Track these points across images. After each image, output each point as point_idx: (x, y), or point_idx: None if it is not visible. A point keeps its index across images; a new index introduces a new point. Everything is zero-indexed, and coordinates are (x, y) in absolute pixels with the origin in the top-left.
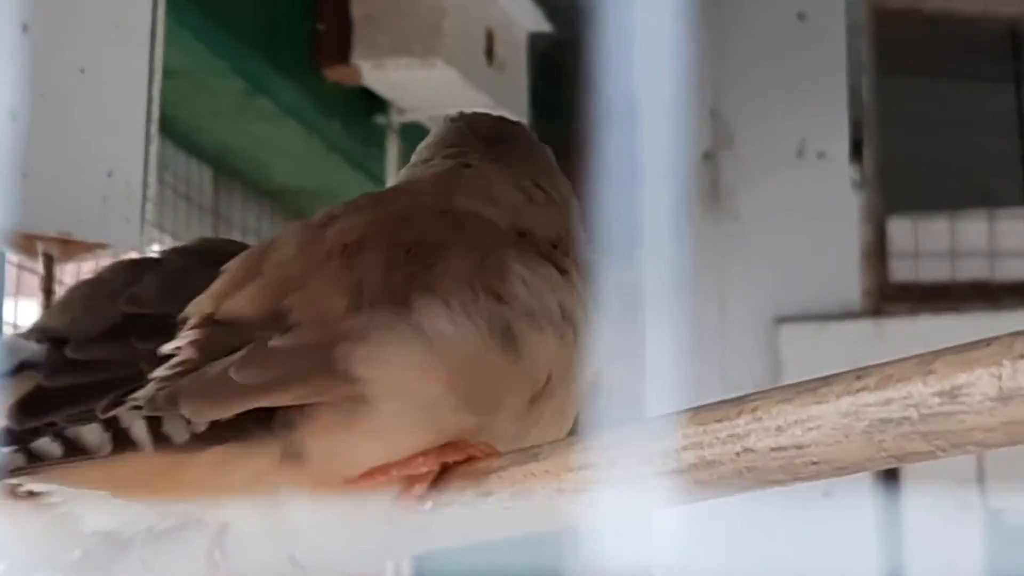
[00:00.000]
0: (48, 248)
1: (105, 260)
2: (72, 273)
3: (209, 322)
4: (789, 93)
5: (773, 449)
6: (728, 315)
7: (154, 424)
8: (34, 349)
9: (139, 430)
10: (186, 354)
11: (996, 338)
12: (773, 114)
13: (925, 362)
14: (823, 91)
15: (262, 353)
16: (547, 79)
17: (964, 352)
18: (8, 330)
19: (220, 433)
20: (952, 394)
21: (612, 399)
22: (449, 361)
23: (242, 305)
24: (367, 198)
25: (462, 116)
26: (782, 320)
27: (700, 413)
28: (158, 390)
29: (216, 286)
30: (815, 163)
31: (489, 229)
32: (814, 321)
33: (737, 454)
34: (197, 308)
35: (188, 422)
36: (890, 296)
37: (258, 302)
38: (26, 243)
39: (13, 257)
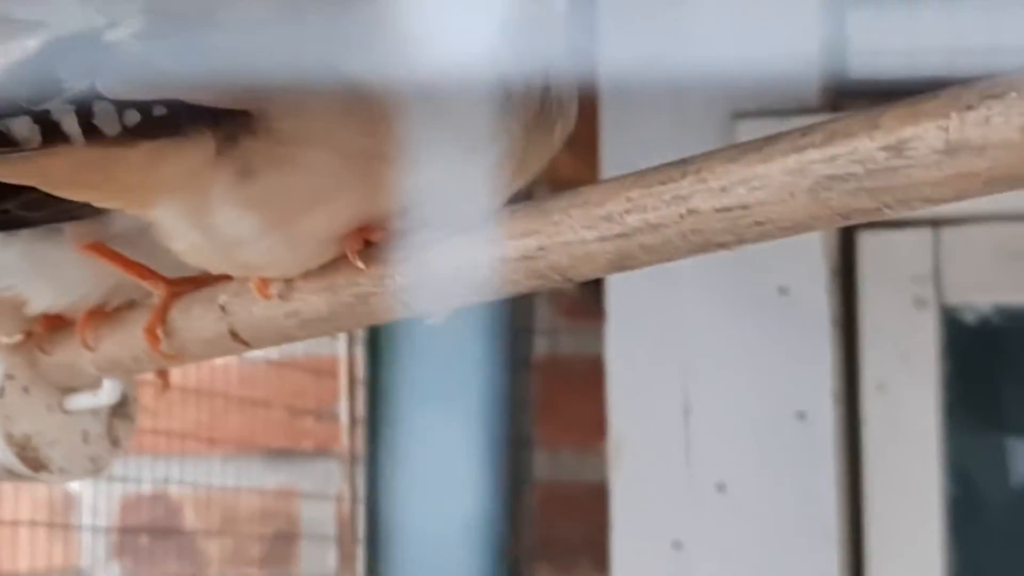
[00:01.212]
0: None
1: None
2: None
3: None
4: None
5: (718, 210)
6: (685, 111)
7: (85, 117)
8: None
9: (70, 123)
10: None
11: (944, 90)
12: None
13: (872, 116)
14: None
15: None
16: None
17: (911, 106)
18: None
19: (153, 128)
20: (898, 148)
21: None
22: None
23: None
24: None
25: None
26: (739, 116)
27: (644, 176)
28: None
29: None
30: None
31: None
32: (772, 117)
33: (681, 216)
34: None
35: (120, 116)
36: (849, 92)
37: None
38: None
39: None
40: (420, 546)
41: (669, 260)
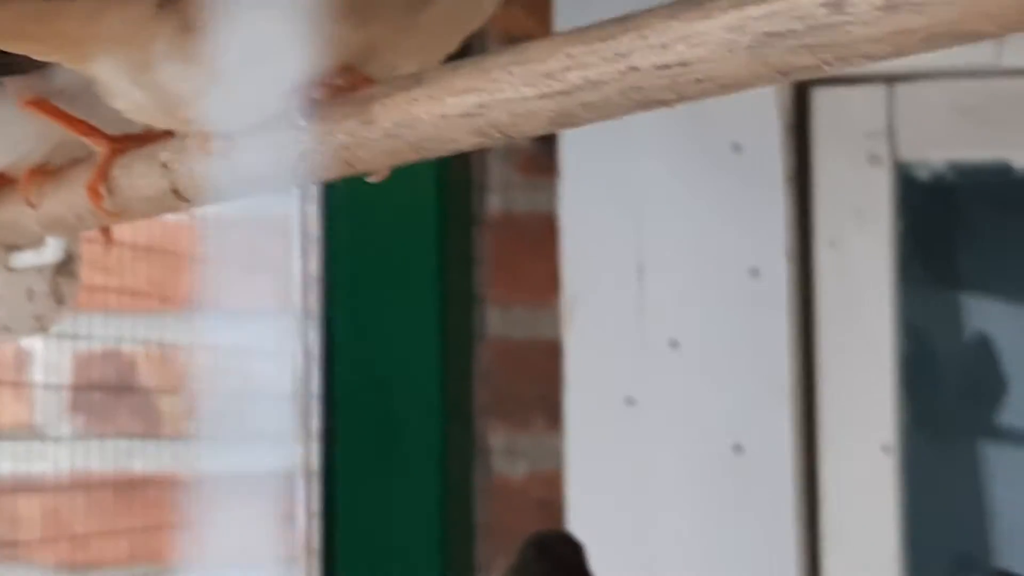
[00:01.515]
0: None
1: None
2: None
3: None
4: None
5: (658, 67)
6: None
7: None
8: None
9: None
10: None
11: None
12: None
13: None
14: None
15: None
16: None
17: None
18: None
19: None
20: (838, 4)
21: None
22: None
23: None
24: None
25: None
26: None
27: (585, 33)
28: None
29: None
30: None
31: None
32: None
33: (622, 73)
34: None
35: None
36: None
37: None
38: None
39: None
40: (374, 402)
41: (610, 118)
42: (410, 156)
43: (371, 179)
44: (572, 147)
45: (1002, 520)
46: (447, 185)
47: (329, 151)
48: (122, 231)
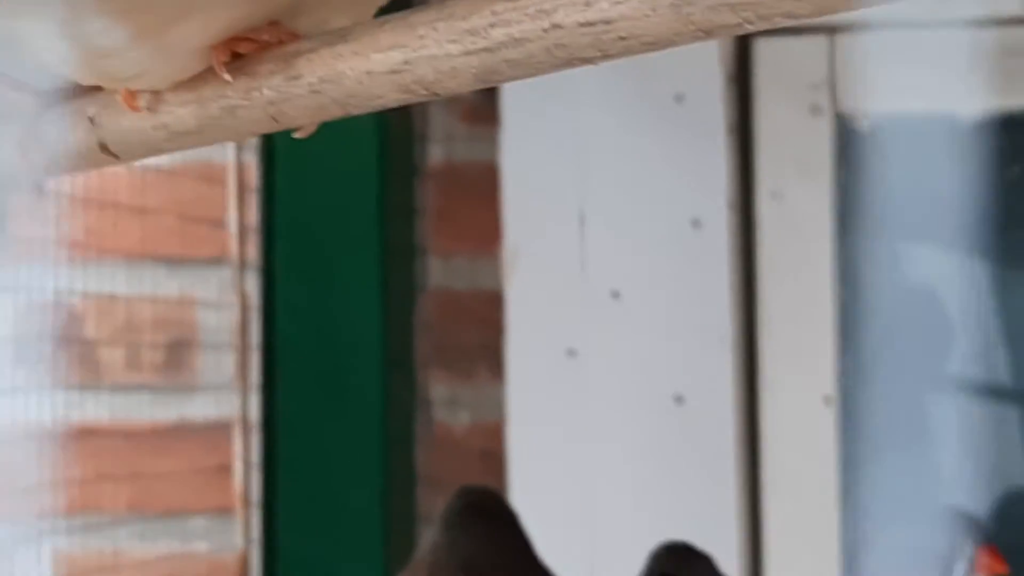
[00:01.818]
0: None
1: None
2: None
3: None
4: None
5: (581, 24)
6: None
7: None
8: None
9: None
10: None
11: None
12: None
13: None
14: None
15: None
16: None
17: None
18: None
19: None
20: None
21: None
22: None
23: None
24: None
25: None
26: None
27: None
28: None
29: None
30: None
31: None
32: None
33: (545, 31)
34: None
35: None
36: None
37: None
38: None
39: None
40: (315, 352)
41: (535, 75)
42: (336, 112)
43: (297, 135)
44: (514, 97)
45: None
46: (389, 135)
47: (255, 106)
48: (61, 182)
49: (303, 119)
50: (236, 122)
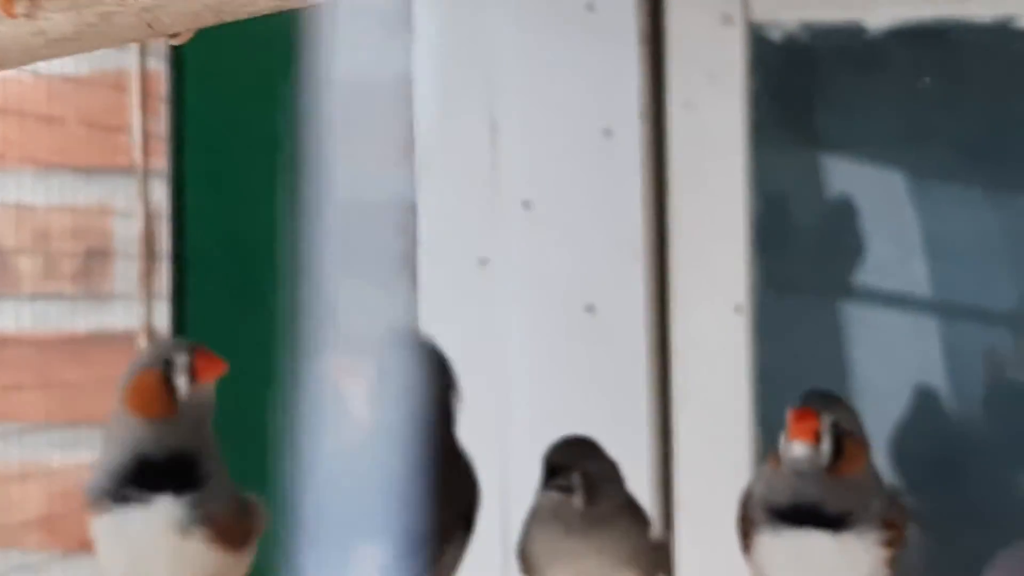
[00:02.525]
0: None
1: None
2: None
3: None
4: None
5: None
6: None
7: None
8: None
9: None
10: None
11: None
12: None
13: None
14: None
15: None
16: None
17: None
18: None
19: None
20: None
21: None
22: None
23: None
24: None
25: None
26: None
27: None
28: None
29: None
30: None
31: None
32: None
33: None
34: None
35: None
36: None
37: None
38: None
39: None
40: (225, 262)
41: None
42: (210, 19)
43: (174, 42)
44: (425, 6)
45: (854, 379)
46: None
47: (130, 13)
48: None
49: (178, 26)
50: (112, 28)
